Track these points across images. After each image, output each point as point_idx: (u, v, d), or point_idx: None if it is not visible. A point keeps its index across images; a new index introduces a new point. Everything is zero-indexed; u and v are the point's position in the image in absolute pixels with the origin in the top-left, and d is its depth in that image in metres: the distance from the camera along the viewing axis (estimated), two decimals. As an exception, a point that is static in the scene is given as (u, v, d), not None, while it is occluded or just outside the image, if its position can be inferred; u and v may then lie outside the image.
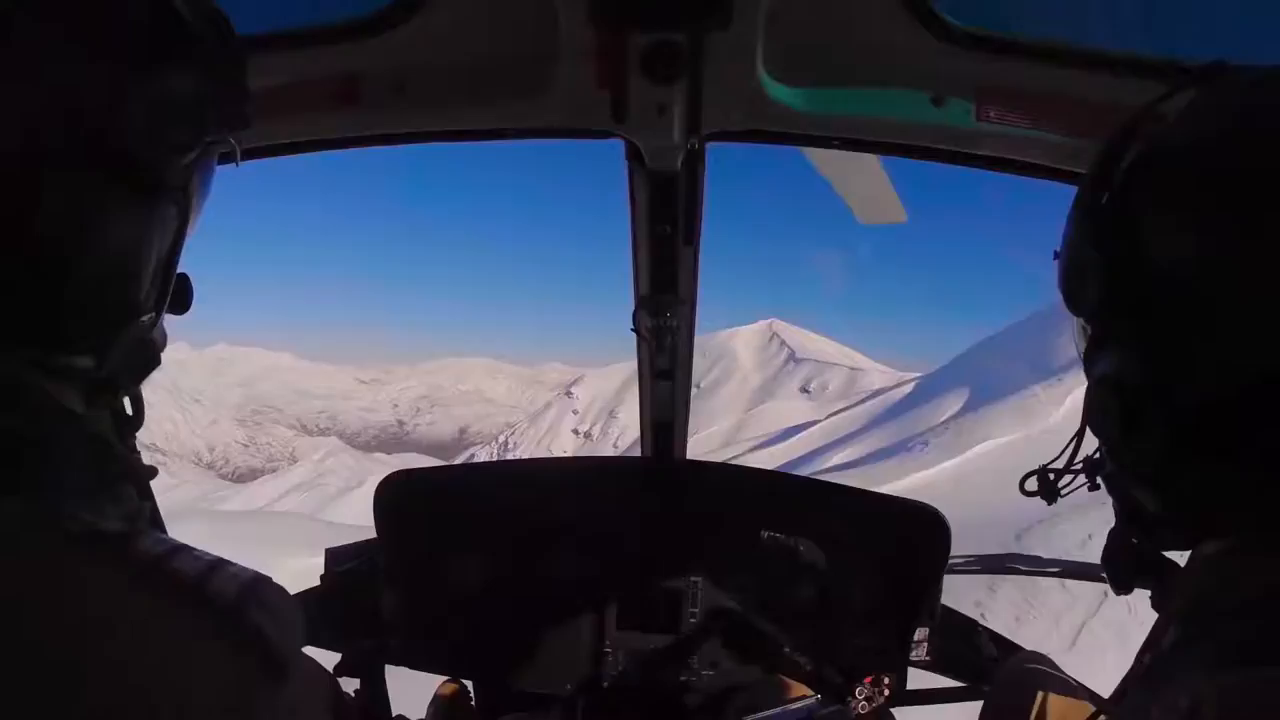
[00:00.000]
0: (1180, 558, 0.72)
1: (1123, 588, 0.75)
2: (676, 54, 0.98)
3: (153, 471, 0.71)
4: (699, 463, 2.05)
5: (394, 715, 1.58)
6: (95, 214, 0.62)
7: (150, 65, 0.64)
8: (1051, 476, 0.82)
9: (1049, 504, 0.84)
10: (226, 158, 0.80)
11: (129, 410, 0.74)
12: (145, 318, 0.69)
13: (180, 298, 0.78)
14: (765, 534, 1.90)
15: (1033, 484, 0.85)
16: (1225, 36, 1.05)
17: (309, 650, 0.65)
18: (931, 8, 1.00)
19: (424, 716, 1.86)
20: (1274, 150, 0.62)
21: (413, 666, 1.94)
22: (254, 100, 0.77)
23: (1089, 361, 0.76)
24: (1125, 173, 0.71)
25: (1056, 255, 0.80)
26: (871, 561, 1.87)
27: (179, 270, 0.77)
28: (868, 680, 1.81)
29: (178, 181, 0.68)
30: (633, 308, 1.56)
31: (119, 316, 0.66)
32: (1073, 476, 0.80)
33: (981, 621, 1.96)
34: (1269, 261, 0.60)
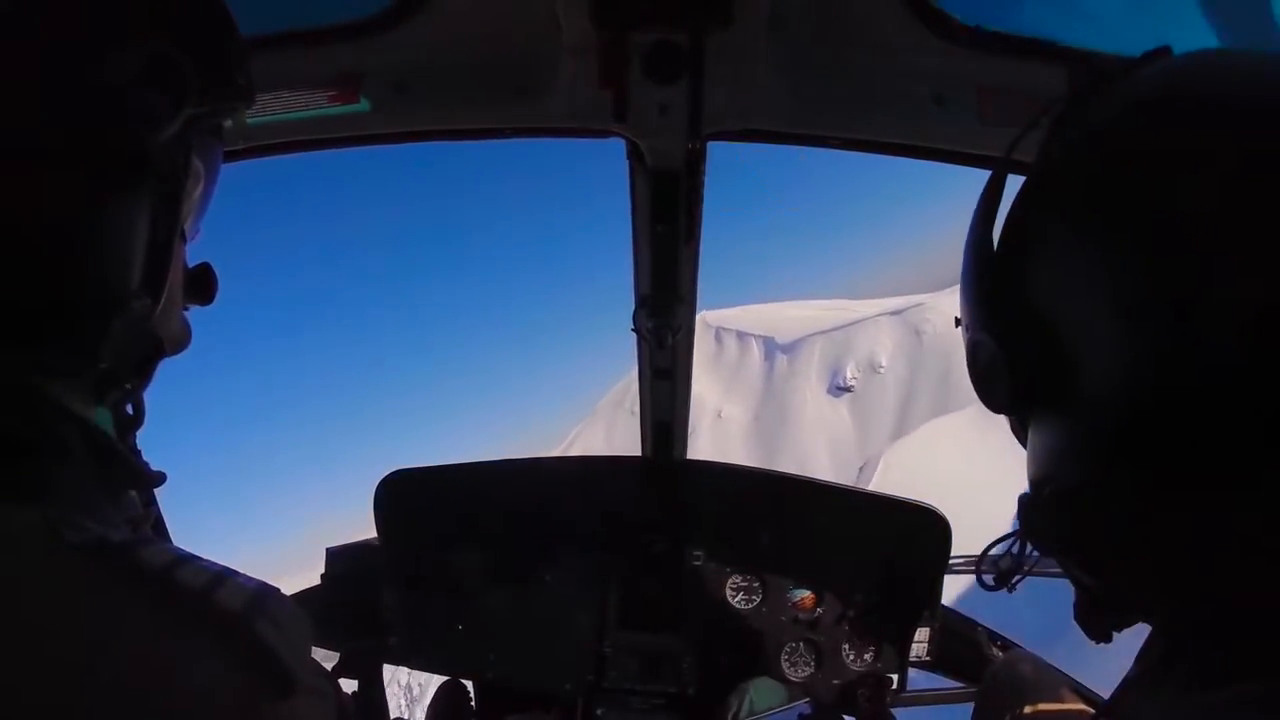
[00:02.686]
0: None
1: (1100, 640, 0.70)
2: (678, 54, 0.98)
3: (160, 477, 0.69)
4: (698, 462, 2.05)
5: (393, 716, 1.59)
6: (66, 198, 0.59)
7: (102, 35, 0.61)
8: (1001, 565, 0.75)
9: (1009, 592, 0.78)
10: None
11: (129, 410, 0.71)
12: (138, 305, 0.65)
13: (202, 289, 0.75)
14: (765, 534, 1.90)
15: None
16: (1227, 36, 1.05)
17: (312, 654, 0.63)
18: (933, 7, 1.00)
19: (424, 717, 1.86)
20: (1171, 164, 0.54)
21: (413, 666, 1.94)
22: (246, 68, 0.73)
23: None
24: (1009, 221, 0.64)
25: (958, 323, 0.71)
26: (871, 561, 1.87)
27: (203, 261, 0.75)
28: (870, 680, 1.81)
29: (161, 159, 0.64)
30: (633, 307, 1.56)
31: (106, 306, 0.62)
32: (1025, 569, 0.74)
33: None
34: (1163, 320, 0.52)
